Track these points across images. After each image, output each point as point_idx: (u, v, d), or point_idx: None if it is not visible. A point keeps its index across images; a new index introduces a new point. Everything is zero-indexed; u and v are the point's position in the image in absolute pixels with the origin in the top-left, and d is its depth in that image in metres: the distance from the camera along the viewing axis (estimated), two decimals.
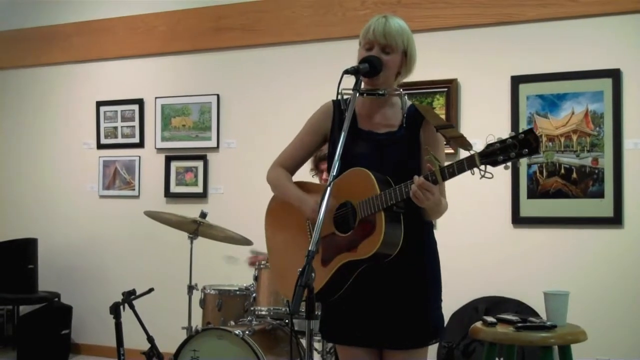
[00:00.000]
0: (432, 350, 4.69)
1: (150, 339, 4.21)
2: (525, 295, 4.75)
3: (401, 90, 2.63)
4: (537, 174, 4.82)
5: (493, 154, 2.16)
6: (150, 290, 4.26)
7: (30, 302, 6.05)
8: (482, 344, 3.85)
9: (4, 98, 6.81)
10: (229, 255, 4.92)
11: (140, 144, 6.19)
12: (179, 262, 5.16)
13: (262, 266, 4.21)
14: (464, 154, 2.26)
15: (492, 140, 2.17)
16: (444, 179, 2.28)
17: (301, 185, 2.72)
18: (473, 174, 2.21)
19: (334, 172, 2.27)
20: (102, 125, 6.33)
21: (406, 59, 2.57)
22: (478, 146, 2.21)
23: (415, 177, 2.30)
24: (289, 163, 2.76)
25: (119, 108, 6.27)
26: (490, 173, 2.17)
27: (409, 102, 2.63)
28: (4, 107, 6.81)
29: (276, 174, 2.74)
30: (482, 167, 2.18)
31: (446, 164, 2.29)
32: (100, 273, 6.24)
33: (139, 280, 5.29)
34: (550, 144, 4.79)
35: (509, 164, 2.16)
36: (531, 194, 4.84)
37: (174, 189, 6.02)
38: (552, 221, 4.80)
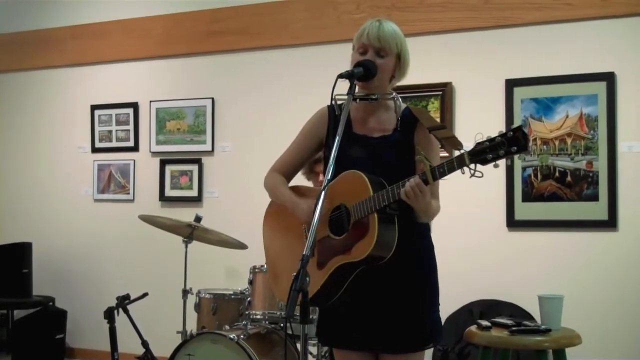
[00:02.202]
0: (427, 354, 4.69)
1: (144, 344, 4.21)
2: (520, 298, 4.74)
3: (394, 93, 2.64)
4: (532, 177, 4.83)
5: (482, 153, 2.16)
6: (145, 294, 4.26)
7: (24, 307, 6.03)
8: (477, 348, 3.85)
9: None
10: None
11: (135, 148, 6.18)
12: (173, 266, 5.16)
13: (257, 270, 4.21)
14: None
15: (481, 139, 2.18)
16: (435, 178, 2.28)
17: (296, 189, 2.73)
18: (463, 173, 2.22)
19: (329, 176, 2.28)
20: (97, 128, 6.32)
21: (400, 62, 2.58)
22: (470, 147, 2.21)
23: (408, 179, 2.30)
24: (285, 169, 2.78)
25: (113, 112, 6.26)
26: (480, 172, 2.18)
27: (403, 105, 2.63)
28: None
29: (273, 180, 2.76)
30: (472, 165, 2.18)
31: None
32: (95, 277, 6.23)
33: (134, 284, 5.28)
34: (544, 147, 4.80)
35: (499, 162, 2.16)
36: (526, 197, 4.84)
37: (169, 192, 6.01)
38: (547, 224, 4.80)
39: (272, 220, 2.81)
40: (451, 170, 2.24)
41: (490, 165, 2.17)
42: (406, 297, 2.51)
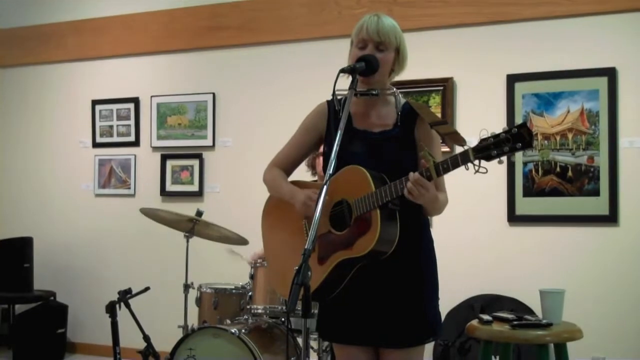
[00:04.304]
0: (428, 348, 4.70)
1: (146, 338, 4.20)
2: (521, 293, 4.75)
3: (394, 89, 2.64)
4: (533, 172, 4.83)
5: (487, 149, 2.17)
6: (146, 289, 4.26)
7: (26, 301, 6.05)
8: (478, 342, 3.86)
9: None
10: (231, 250, 4.91)
11: (136, 143, 6.18)
12: (175, 260, 5.16)
13: (258, 264, 4.22)
14: (459, 150, 2.26)
15: (485, 135, 2.19)
16: (439, 174, 2.29)
17: (297, 184, 2.73)
18: (467, 169, 2.22)
19: (330, 170, 2.27)
20: (98, 123, 6.32)
21: (399, 55, 2.59)
22: (473, 143, 2.22)
23: (410, 174, 2.31)
24: (284, 164, 2.78)
25: (114, 107, 6.26)
26: (485, 168, 2.18)
27: (403, 100, 2.63)
28: None
29: (272, 174, 2.76)
30: (476, 161, 2.20)
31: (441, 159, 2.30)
32: (96, 272, 6.23)
33: (135, 278, 5.29)
34: (545, 142, 4.80)
35: (503, 158, 2.17)
36: (527, 192, 4.85)
37: (170, 187, 6.01)
38: (548, 219, 4.80)
39: (270, 216, 2.80)
40: (455, 166, 2.25)
41: (494, 161, 2.17)
42: (406, 291, 2.52)
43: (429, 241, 2.63)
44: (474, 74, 5.04)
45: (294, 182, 2.73)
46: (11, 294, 6.00)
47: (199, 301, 4.44)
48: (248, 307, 4.18)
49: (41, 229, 6.40)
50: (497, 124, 4.71)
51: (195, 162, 5.92)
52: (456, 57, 5.10)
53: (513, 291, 4.82)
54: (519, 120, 4.83)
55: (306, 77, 5.46)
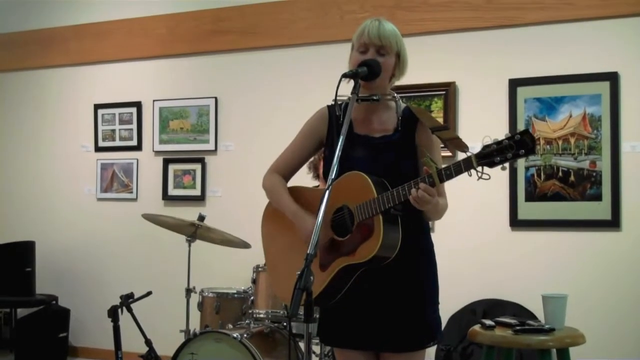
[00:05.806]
0: (430, 353, 4.70)
1: (148, 342, 4.20)
2: (524, 298, 4.74)
3: (395, 94, 2.64)
4: (535, 176, 4.83)
5: (490, 155, 2.17)
6: (149, 293, 4.26)
7: (28, 305, 6.05)
8: (480, 347, 3.85)
9: (2, 101, 6.80)
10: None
11: (138, 147, 6.18)
12: (177, 265, 5.16)
13: (260, 269, 4.22)
14: (461, 156, 2.26)
15: (488, 141, 2.19)
16: (442, 181, 2.29)
17: (297, 190, 2.72)
18: (470, 175, 2.22)
19: (333, 175, 2.27)
20: (100, 128, 6.33)
21: (399, 61, 2.59)
22: (476, 149, 2.22)
23: (415, 188, 2.30)
24: (284, 169, 2.77)
25: (117, 111, 6.27)
26: (488, 174, 2.19)
27: (403, 105, 2.64)
28: (2, 109, 6.81)
29: (272, 181, 2.75)
30: (479, 168, 2.19)
31: (443, 166, 2.30)
32: (98, 276, 6.23)
33: (137, 283, 5.28)
34: (548, 146, 4.79)
35: (506, 164, 2.17)
36: (529, 197, 4.84)
37: (172, 191, 6.01)
38: (550, 224, 4.80)
39: (271, 221, 2.79)
40: (458, 172, 2.24)
41: (498, 167, 2.17)
42: (406, 296, 2.52)
43: (429, 246, 2.63)
44: (476, 78, 5.04)
45: (294, 188, 2.73)
46: (13, 297, 6.01)
47: (200, 305, 4.45)
48: (250, 311, 4.18)
49: (43, 233, 6.40)
50: (499, 129, 4.75)
51: (197, 167, 5.92)
52: (458, 62, 5.10)
53: (515, 296, 4.81)
54: (521, 124, 4.83)
55: (309, 82, 5.46)
